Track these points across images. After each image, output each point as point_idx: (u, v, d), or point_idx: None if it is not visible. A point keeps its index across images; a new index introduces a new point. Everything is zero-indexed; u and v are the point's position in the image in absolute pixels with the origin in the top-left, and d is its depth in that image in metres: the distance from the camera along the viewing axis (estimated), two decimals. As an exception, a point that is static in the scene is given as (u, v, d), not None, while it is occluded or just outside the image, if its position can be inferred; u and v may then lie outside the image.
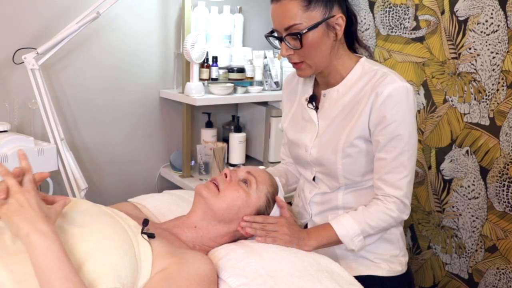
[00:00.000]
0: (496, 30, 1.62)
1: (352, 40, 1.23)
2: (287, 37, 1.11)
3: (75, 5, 1.83)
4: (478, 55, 1.68)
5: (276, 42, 1.19)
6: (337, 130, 1.19)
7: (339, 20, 1.12)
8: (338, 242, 1.17)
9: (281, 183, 1.31)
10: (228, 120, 2.34)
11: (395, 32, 1.96)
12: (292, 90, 1.37)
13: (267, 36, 1.19)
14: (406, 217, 1.19)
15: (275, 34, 1.16)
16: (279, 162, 1.54)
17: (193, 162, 2.14)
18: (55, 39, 1.62)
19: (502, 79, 1.62)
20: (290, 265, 1.02)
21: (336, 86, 1.21)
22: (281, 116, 1.44)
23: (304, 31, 1.09)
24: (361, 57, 1.23)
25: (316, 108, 1.26)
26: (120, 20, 1.97)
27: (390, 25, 1.98)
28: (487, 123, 1.69)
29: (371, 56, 1.27)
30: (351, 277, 1.07)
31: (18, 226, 0.81)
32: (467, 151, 1.76)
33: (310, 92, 1.29)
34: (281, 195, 1.22)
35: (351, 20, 1.18)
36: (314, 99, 1.27)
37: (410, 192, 1.18)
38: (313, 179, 1.30)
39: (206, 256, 1.04)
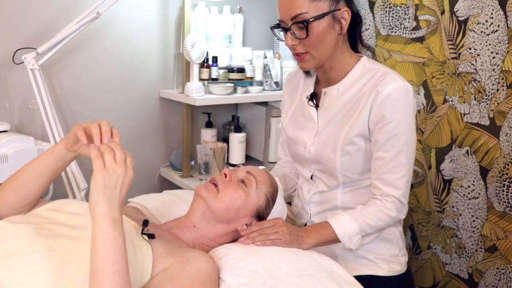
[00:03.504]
0: (496, 30, 1.62)
1: (355, 40, 1.24)
2: (293, 26, 1.12)
3: (75, 5, 1.83)
4: (478, 55, 1.68)
5: (281, 34, 1.20)
6: (336, 127, 1.19)
7: (345, 14, 1.13)
8: (337, 240, 1.17)
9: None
10: (228, 120, 2.34)
11: (395, 32, 1.96)
12: (293, 88, 1.37)
13: (272, 28, 1.20)
14: (403, 216, 1.19)
15: (281, 26, 1.17)
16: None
17: (193, 162, 2.14)
18: (55, 39, 1.62)
19: (502, 79, 1.62)
20: (290, 265, 1.02)
21: (337, 84, 1.21)
22: (281, 116, 1.44)
23: (310, 20, 1.09)
24: (362, 56, 1.23)
25: (317, 106, 1.26)
26: (120, 20, 1.97)
27: (390, 25, 1.98)
28: (487, 123, 1.69)
29: (373, 56, 1.28)
30: (351, 277, 1.07)
31: (98, 202, 0.81)
32: (467, 151, 1.76)
33: (311, 90, 1.29)
34: (280, 195, 1.22)
35: (355, 20, 1.18)
36: (314, 97, 1.27)
37: (407, 192, 1.18)
38: (311, 177, 1.30)
39: (207, 254, 1.04)
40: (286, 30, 1.14)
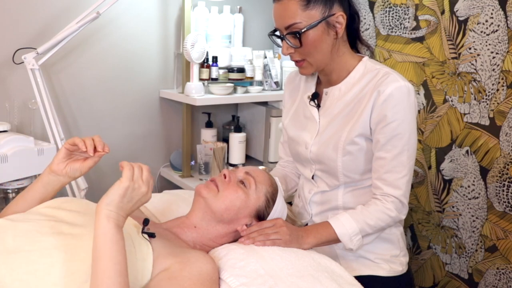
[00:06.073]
0: (496, 30, 1.62)
1: (354, 38, 1.24)
2: (288, 35, 1.13)
3: (75, 5, 1.83)
4: (478, 55, 1.68)
5: (278, 41, 1.20)
6: (338, 127, 1.19)
7: (340, 18, 1.13)
8: (337, 240, 1.17)
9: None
10: (228, 120, 2.34)
11: (395, 32, 1.96)
12: (294, 87, 1.37)
13: (269, 35, 1.20)
14: (403, 216, 1.19)
15: (277, 33, 1.17)
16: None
17: (193, 162, 2.14)
18: (55, 39, 1.62)
19: (502, 79, 1.63)
20: (290, 265, 1.02)
21: (338, 84, 1.21)
22: (281, 116, 1.44)
23: (303, 30, 1.10)
24: (363, 56, 1.23)
25: (318, 106, 1.26)
26: (120, 20, 1.97)
27: (390, 25, 1.98)
28: (487, 123, 1.69)
29: (372, 54, 1.28)
30: (351, 277, 1.07)
31: (109, 204, 0.85)
32: (467, 151, 1.76)
33: (312, 90, 1.29)
34: (280, 195, 1.22)
35: (353, 18, 1.18)
36: (316, 97, 1.27)
37: (408, 192, 1.18)
38: (312, 177, 1.30)
39: (207, 255, 1.04)
40: (281, 38, 1.15)
